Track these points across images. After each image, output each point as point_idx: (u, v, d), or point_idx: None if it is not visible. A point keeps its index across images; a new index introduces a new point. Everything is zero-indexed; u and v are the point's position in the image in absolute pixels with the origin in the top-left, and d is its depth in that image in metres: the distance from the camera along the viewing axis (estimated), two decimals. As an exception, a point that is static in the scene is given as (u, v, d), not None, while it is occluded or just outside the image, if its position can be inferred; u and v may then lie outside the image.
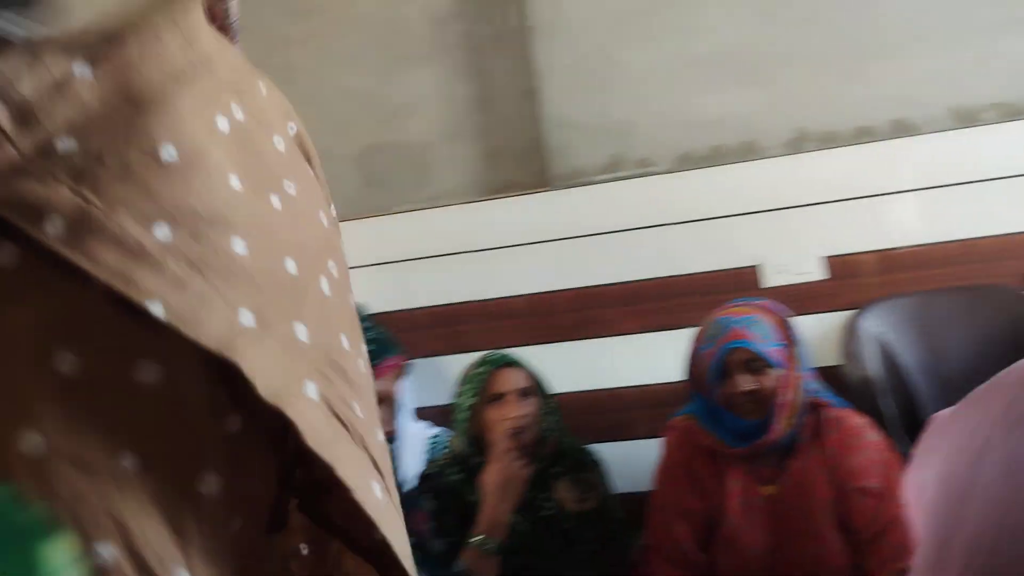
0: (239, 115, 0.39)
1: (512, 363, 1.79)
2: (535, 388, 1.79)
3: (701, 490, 1.65)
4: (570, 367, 2.31)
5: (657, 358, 2.30)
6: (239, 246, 0.35)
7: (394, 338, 1.13)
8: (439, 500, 1.69)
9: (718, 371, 1.59)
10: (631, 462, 2.07)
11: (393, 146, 2.67)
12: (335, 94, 2.69)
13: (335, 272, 0.46)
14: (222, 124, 0.37)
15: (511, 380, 1.75)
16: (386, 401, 1.08)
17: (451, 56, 2.63)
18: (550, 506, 1.73)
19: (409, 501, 1.22)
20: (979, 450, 0.30)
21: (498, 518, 1.56)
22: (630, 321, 2.32)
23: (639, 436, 2.29)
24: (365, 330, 1.11)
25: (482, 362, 1.80)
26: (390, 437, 1.10)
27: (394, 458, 1.20)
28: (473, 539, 1.52)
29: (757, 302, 1.68)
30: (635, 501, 1.92)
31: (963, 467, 0.30)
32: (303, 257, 0.41)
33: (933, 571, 0.30)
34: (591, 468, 1.80)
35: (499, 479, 1.60)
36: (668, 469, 1.69)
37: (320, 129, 2.70)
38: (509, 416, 1.69)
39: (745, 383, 1.57)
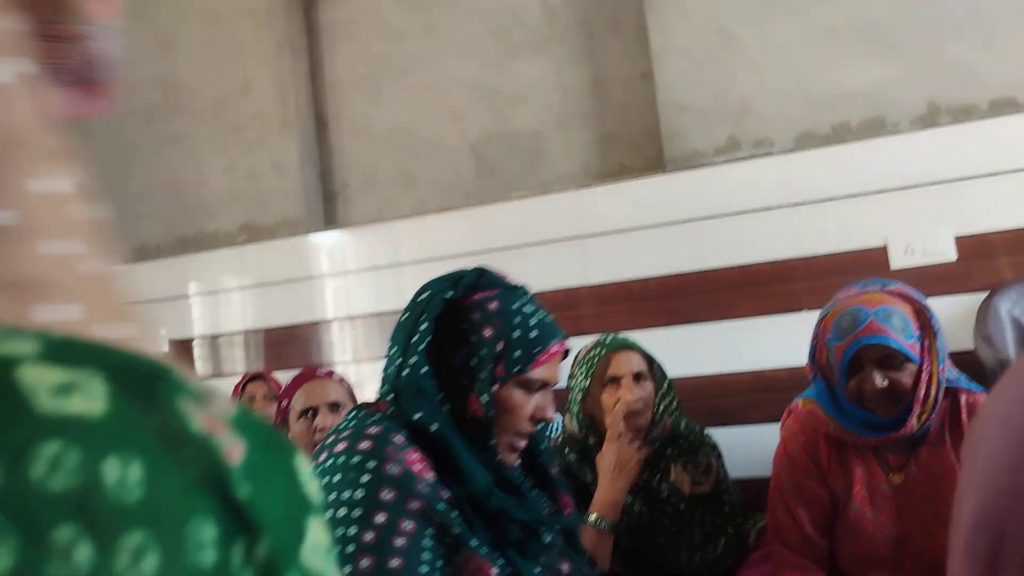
0: (60, 179, 0.40)
1: (628, 346, 1.79)
2: (650, 371, 1.78)
3: (823, 476, 1.60)
4: (684, 351, 2.30)
5: (774, 343, 2.25)
6: (60, 313, 0.36)
7: (556, 323, 1.15)
8: None
9: (849, 365, 1.48)
10: (743, 447, 2.04)
11: (506, 135, 2.71)
12: (449, 85, 2.76)
13: None
14: (47, 186, 0.37)
15: (626, 363, 1.75)
16: (548, 385, 1.11)
17: (564, 43, 2.64)
18: (665, 488, 1.73)
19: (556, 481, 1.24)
20: (988, 413, 0.36)
21: (613, 498, 1.58)
22: (747, 305, 2.28)
23: (752, 421, 2.25)
24: (532, 313, 1.10)
25: (597, 344, 1.80)
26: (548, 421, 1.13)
27: (543, 439, 1.23)
28: (589, 518, 1.54)
29: (892, 287, 1.55)
30: (746, 487, 1.89)
31: (980, 427, 0.36)
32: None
33: (961, 502, 0.36)
34: (707, 451, 1.79)
35: (614, 460, 1.61)
36: (788, 453, 1.64)
37: (434, 120, 2.79)
38: (624, 399, 1.70)
39: (879, 380, 1.45)
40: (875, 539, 1.54)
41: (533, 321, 1.07)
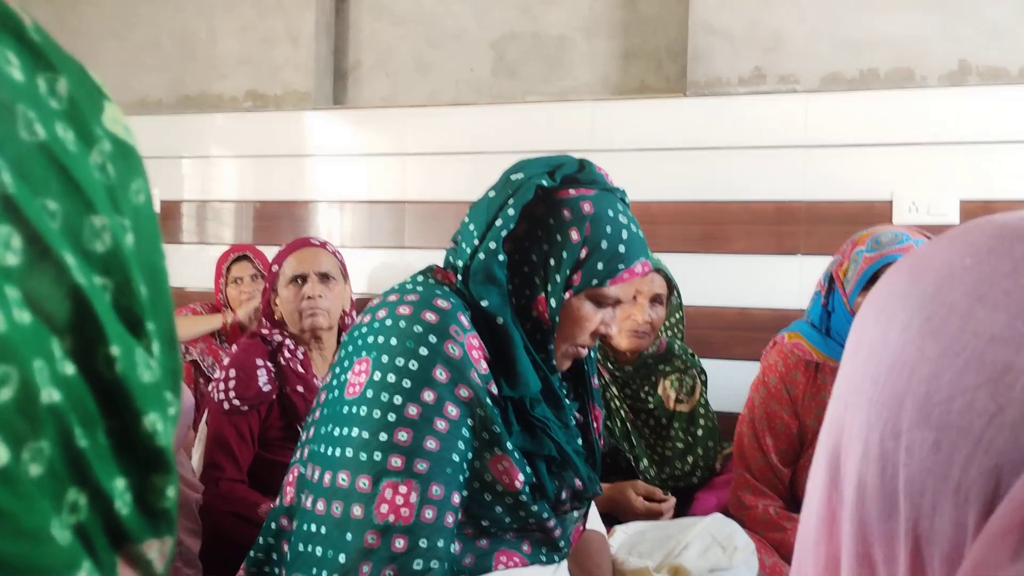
0: None
1: (656, 267, 1.73)
2: (668, 297, 1.75)
3: (795, 407, 1.65)
4: (676, 279, 2.31)
5: (765, 283, 2.27)
6: None
7: (644, 240, 1.05)
8: None
9: (867, 278, 1.50)
10: (718, 380, 2.07)
11: (530, 35, 2.65)
12: (479, -24, 2.67)
13: None
14: None
15: (648, 283, 1.72)
16: (620, 303, 1.02)
17: (602, -53, 2.56)
18: (652, 401, 1.76)
19: None
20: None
21: None
22: (744, 241, 2.29)
23: (732, 357, 2.29)
24: (625, 224, 0.97)
25: None
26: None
27: (594, 349, 1.17)
28: None
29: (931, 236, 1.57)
30: (718, 419, 1.93)
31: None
32: None
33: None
34: (694, 374, 1.81)
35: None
36: (766, 382, 1.68)
37: (459, 10, 2.71)
38: (633, 318, 1.69)
39: None
40: (838, 472, 1.58)
41: (624, 234, 0.98)
